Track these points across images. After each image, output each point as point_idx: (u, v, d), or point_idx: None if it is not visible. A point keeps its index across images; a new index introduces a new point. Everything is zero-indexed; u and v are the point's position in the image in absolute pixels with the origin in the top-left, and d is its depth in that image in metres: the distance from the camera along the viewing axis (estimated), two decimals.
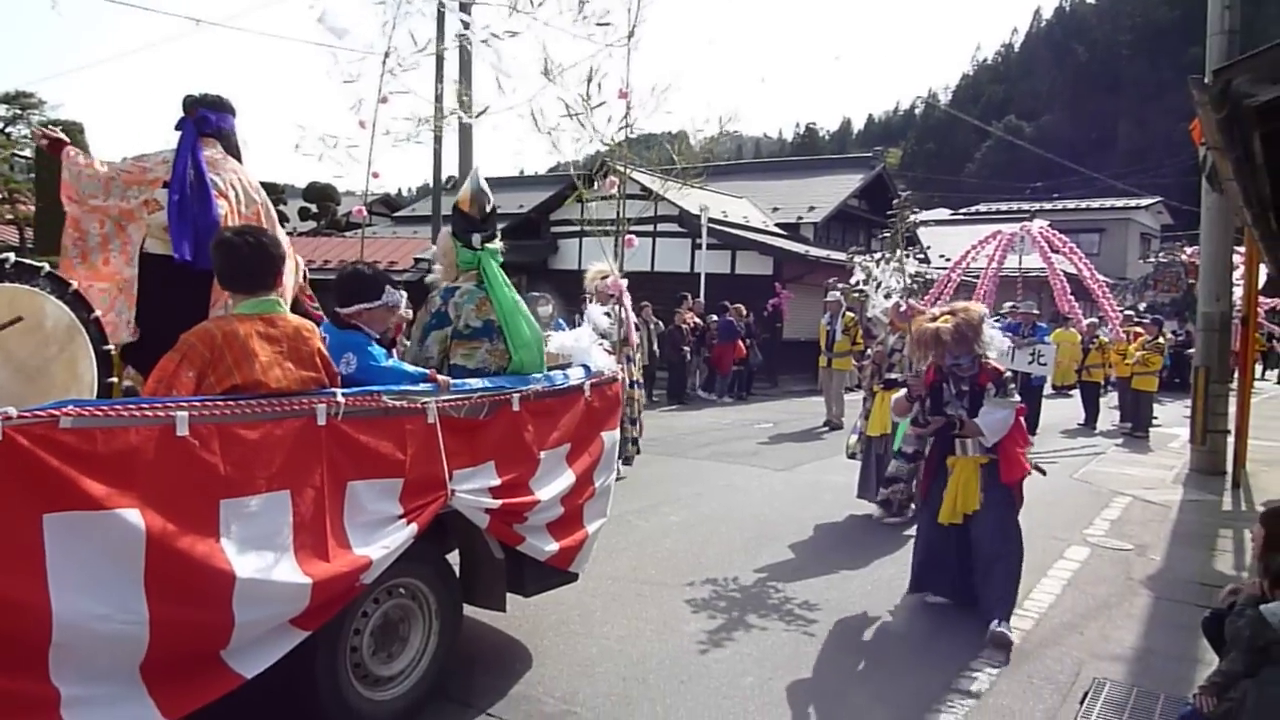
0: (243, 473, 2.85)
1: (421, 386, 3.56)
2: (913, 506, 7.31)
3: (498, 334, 4.20)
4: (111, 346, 3.67)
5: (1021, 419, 5.15)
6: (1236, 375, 10.64)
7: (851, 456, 8.15)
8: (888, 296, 7.86)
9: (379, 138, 5.42)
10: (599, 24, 5.25)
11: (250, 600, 2.79)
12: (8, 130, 23.46)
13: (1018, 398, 5.17)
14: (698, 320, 16.96)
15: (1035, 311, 13.33)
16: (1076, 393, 15.72)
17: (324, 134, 5.48)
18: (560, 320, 8.95)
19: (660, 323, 15.63)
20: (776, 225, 24.85)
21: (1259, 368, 25.21)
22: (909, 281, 8.15)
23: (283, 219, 4.27)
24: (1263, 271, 11.05)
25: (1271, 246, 7.62)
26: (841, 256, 10.22)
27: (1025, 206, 38.12)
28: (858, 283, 8.77)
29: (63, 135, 4.05)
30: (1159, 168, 51.22)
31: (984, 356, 5.16)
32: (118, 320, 3.74)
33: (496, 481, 3.84)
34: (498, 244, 4.44)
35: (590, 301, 8.68)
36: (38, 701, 2.43)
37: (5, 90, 24.69)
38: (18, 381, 3.21)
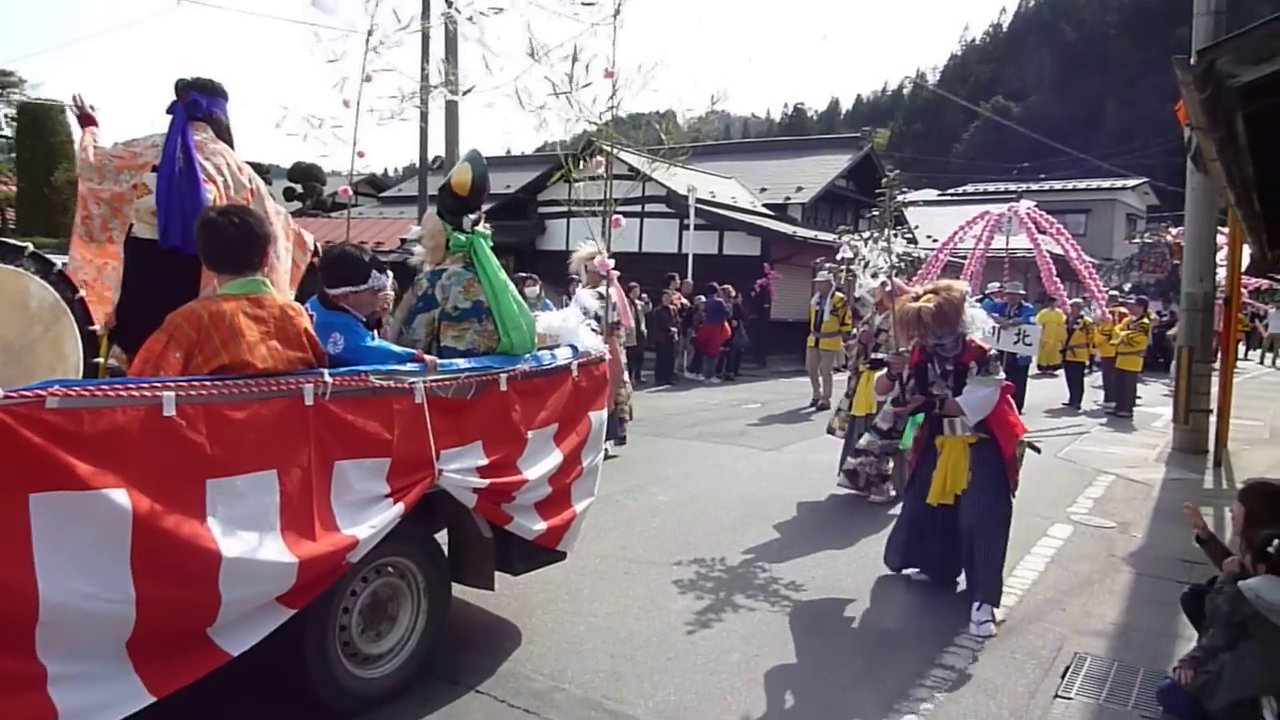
0: (229, 453, 2.85)
1: (409, 366, 3.57)
2: (889, 486, 7.36)
3: (486, 315, 4.20)
4: (97, 327, 3.67)
5: (1010, 397, 5.11)
6: (1219, 355, 10.73)
7: (831, 432, 8.17)
8: (875, 276, 7.86)
9: (364, 116, 5.37)
10: (584, 2, 5.21)
11: (236, 579, 2.80)
12: None
13: (1002, 375, 5.12)
14: (685, 301, 16.95)
15: (1021, 292, 13.39)
16: (1061, 373, 15.81)
17: (308, 113, 5.43)
18: (548, 301, 8.97)
19: (648, 300, 15.61)
20: (764, 206, 24.82)
21: (1242, 348, 25.41)
22: (896, 261, 8.16)
23: None
24: (1246, 252, 11.13)
25: (1254, 227, 7.67)
26: (829, 237, 10.26)
27: (1013, 187, 38.10)
28: (843, 261, 8.78)
29: (91, 111, 4.02)
30: (1145, 148, 51.37)
31: (968, 335, 5.11)
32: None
33: (484, 461, 3.85)
34: (485, 226, 4.43)
35: (580, 284, 8.68)
36: (25, 679, 2.45)
37: None
38: (2, 362, 3.21)
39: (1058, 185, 41.63)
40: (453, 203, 4.32)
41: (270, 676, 3.48)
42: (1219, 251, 11.33)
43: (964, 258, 18.74)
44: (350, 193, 6.08)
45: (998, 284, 14.46)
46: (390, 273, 4.01)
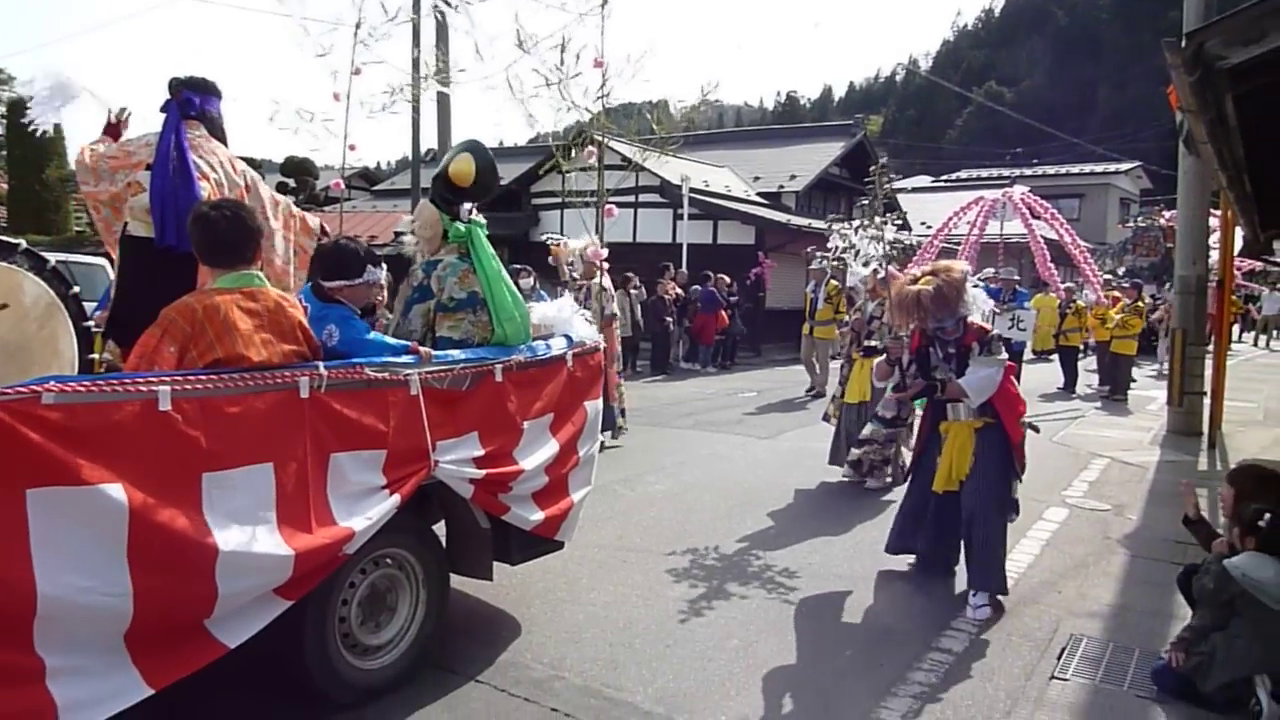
0: (225, 446, 2.86)
1: (404, 358, 3.58)
2: (889, 472, 7.37)
3: (481, 305, 4.20)
4: (91, 323, 3.67)
5: (1013, 378, 5.01)
6: (1213, 338, 10.77)
7: (827, 418, 8.19)
8: (866, 264, 7.88)
9: (354, 109, 5.37)
10: None
11: (233, 572, 2.81)
12: None
13: (1005, 356, 4.99)
14: (680, 291, 16.96)
15: (1015, 277, 13.40)
16: (1056, 358, 15.84)
17: (300, 108, 5.43)
18: (542, 292, 8.97)
19: (643, 289, 15.62)
20: (758, 194, 24.82)
21: (1235, 330, 25.48)
22: (888, 248, 8.17)
23: None
24: (1238, 234, 11.16)
25: (1246, 209, 7.69)
26: (823, 225, 10.25)
27: (1006, 172, 38.22)
28: (834, 249, 8.79)
29: (118, 124, 3.99)
30: (1138, 132, 51.38)
31: (969, 317, 4.98)
32: None
33: (480, 452, 3.86)
34: (479, 216, 4.43)
35: (567, 276, 8.69)
36: (23, 672, 2.46)
37: None
38: None
39: (1051, 170, 41.65)
40: (450, 193, 4.31)
41: (271, 669, 3.50)
42: (1212, 234, 11.37)
43: (958, 244, 18.72)
44: (342, 186, 6.07)
45: (992, 270, 14.47)
46: (384, 265, 4.02)
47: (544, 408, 4.28)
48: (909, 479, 5.47)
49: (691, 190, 19.81)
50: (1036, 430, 5.28)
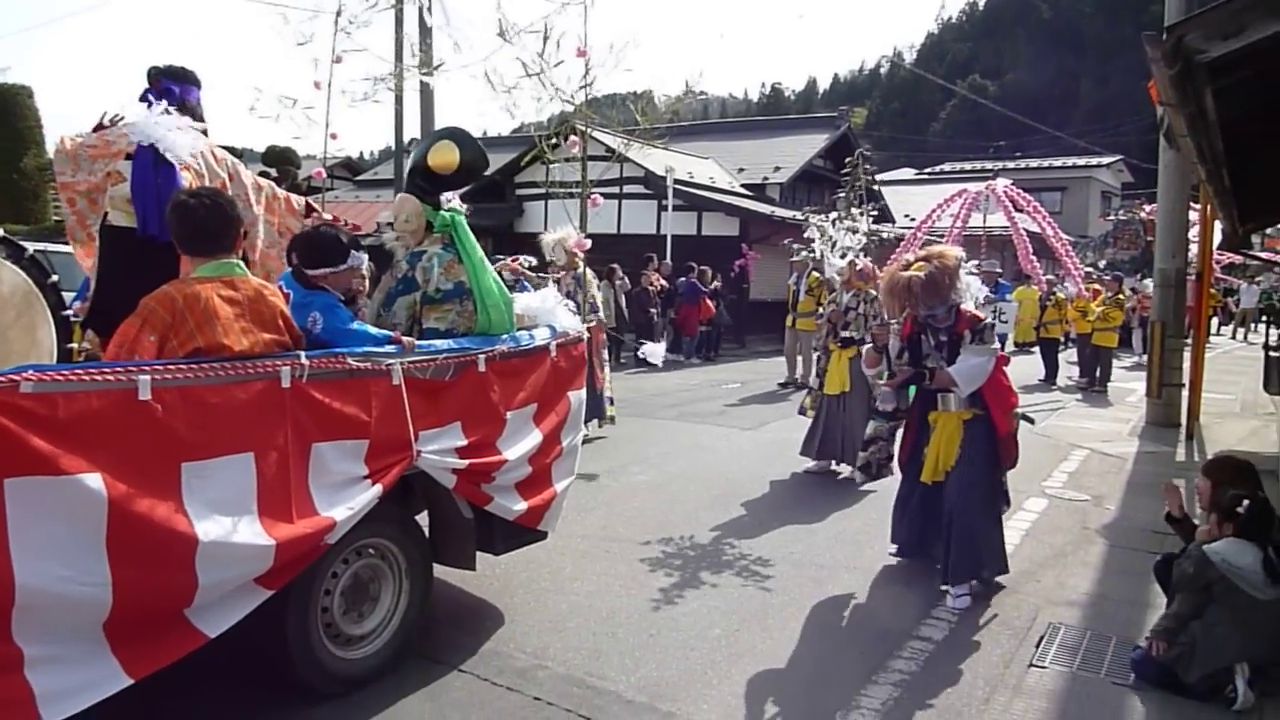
0: (205, 436, 2.85)
1: (386, 348, 3.57)
2: (892, 467, 7.36)
3: (467, 295, 4.19)
4: (70, 312, 3.64)
5: (1005, 369, 4.93)
6: (1192, 330, 10.87)
7: (802, 412, 8.20)
8: (843, 255, 7.90)
9: (335, 98, 5.34)
10: None
11: (213, 561, 2.80)
12: None
13: (997, 345, 4.89)
14: (664, 282, 16.96)
15: (998, 270, 13.48)
16: (1037, 350, 15.96)
17: (280, 95, 5.38)
18: (526, 283, 8.94)
19: (626, 280, 15.61)
20: (742, 186, 24.83)
21: (1214, 323, 25.71)
22: (863, 239, 8.19)
23: None
24: (1218, 228, 11.25)
25: (1225, 203, 7.75)
26: (817, 219, 10.28)
27: (989, 165, 38.34)
28: (811, 241, 8.80)
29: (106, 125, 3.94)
30: (1120, 126, 51.69)
31: (961, 304, 4.87)
32: None
33: (463, 442, 3.85)
34: (461, 205, 4.42)
35: (553, 266, 8.67)
36: (1, 662, 2.45)
37: None
38: None
39: (1034, 163, 41.85)
40: (431, 183, 4.29)
41: (253, 659, 3.49)
42: (1191, 228, 11.46)
43: (941, 236, 18.81)
44: (324, 175, 6.03)
45: (975, 262, 14.55)
46: (366, 255, 4.00)
47: (527, 398, 4.28)
48: (903, 470, 5.37)
49: (676, 181, 19.81)
50: (1031, 422, 5.21)
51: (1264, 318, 25.30)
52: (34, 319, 3.39)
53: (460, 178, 4.34)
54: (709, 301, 17.14)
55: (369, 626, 3.71)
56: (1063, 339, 16.03)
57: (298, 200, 4.40)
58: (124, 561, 2.60)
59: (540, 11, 5.01)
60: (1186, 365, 10.50)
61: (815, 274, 13.32)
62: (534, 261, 9.46)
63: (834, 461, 7.71)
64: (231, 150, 4.24)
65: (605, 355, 8.93)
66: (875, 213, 8.62)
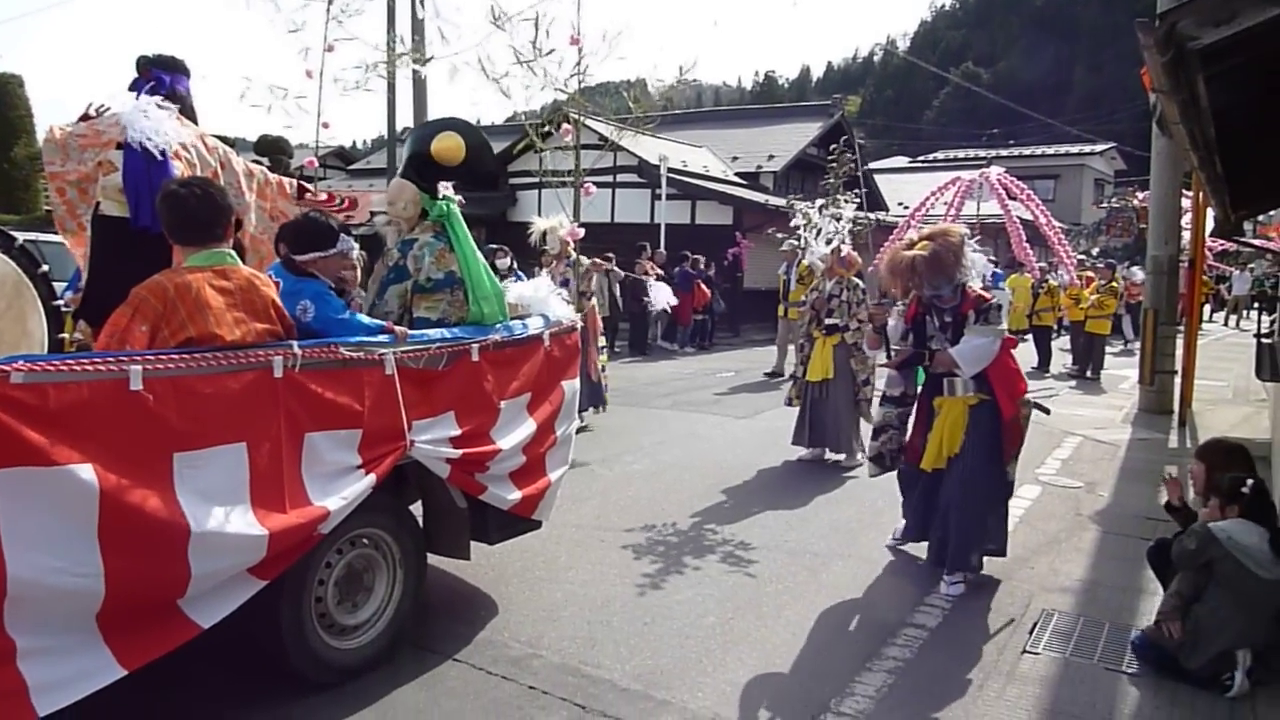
0: (197, 426, 2.84)
1: (379, 338, 3.56)
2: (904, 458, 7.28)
3: (459, 285, 4.18)
4: (61, 302, 3.62)
5: (1013, 353, 4.76)
6: (1184, 317, 10.89)
7: (789, 403, 8.21)
8: (829, 242, 7.89)
9: (328, 87, 5.31)
10: None
11: (206, 551, 2.80)
12: None
13: (1004, 326, 4.70)
14: (659, 272, 16.93)
15: (991, 258, 13.47)
16: (1030, 337, 15.98)
17: (272, 84, 5.36)
18: (519, 272, 8.94)
19: (618, 270, 15.57)
20: (736, 175, 24.78)
21: (1207, 309, 25.78)
22: (845, 226, 8.17)
23: None
24: (1210, 215, 11.26)
25: (1218, 190, 7.74)
26: (802, 205, 10.27)
27: (983, 153, 38.34)
28: (798, 229, 8.79)
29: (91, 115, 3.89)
30: (1113, 114, 51.73)
31: (967, 283, 4.70)
32: None
33: (457, 431, 3.85)
34: (454, 194, 4.40)
35: (545, 255, 8.65)
36: None
37: None
38: None
39: (1027, 151, 41.85)
40: (432, 172, 4.26)
41: (247, 649, 3.49)
42: (1184, 215, 11.47)
43: (935, 224, 18.83)
44: (315, 164, 6.01)
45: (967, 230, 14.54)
46: (357, 244, 3.99)
47: (521, 387, 4.27)
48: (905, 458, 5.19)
49: (670, 170, 19.76)
50: (1046, 411, 5.05)
51: (1256, 304, 25.42)
52: (24, 309, 3.36)
53: (462, 170, 4.32)
54: (703, 286, 17.11)
55: (363, 616, 3.71)
56: (1055, 326, 16.06)
57: (289, 183, 4.39)
58: (116, 552, 2.60)
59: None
60: (1179, 352, 10.53)
61: (806, 262, 13.33)
62: (509, 261, 9.45)
63: (826, 449, 7.72)
64: (224, 140, 4.22)
65: (601, 343, 8.92)
66: (857, 200, 8.57)
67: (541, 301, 4.69)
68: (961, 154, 42.46)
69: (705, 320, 17.74)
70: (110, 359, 2.68)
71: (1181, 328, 10.69)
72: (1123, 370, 14.49)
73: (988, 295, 4.72)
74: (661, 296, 7.25)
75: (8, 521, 2.40)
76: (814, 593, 4.79)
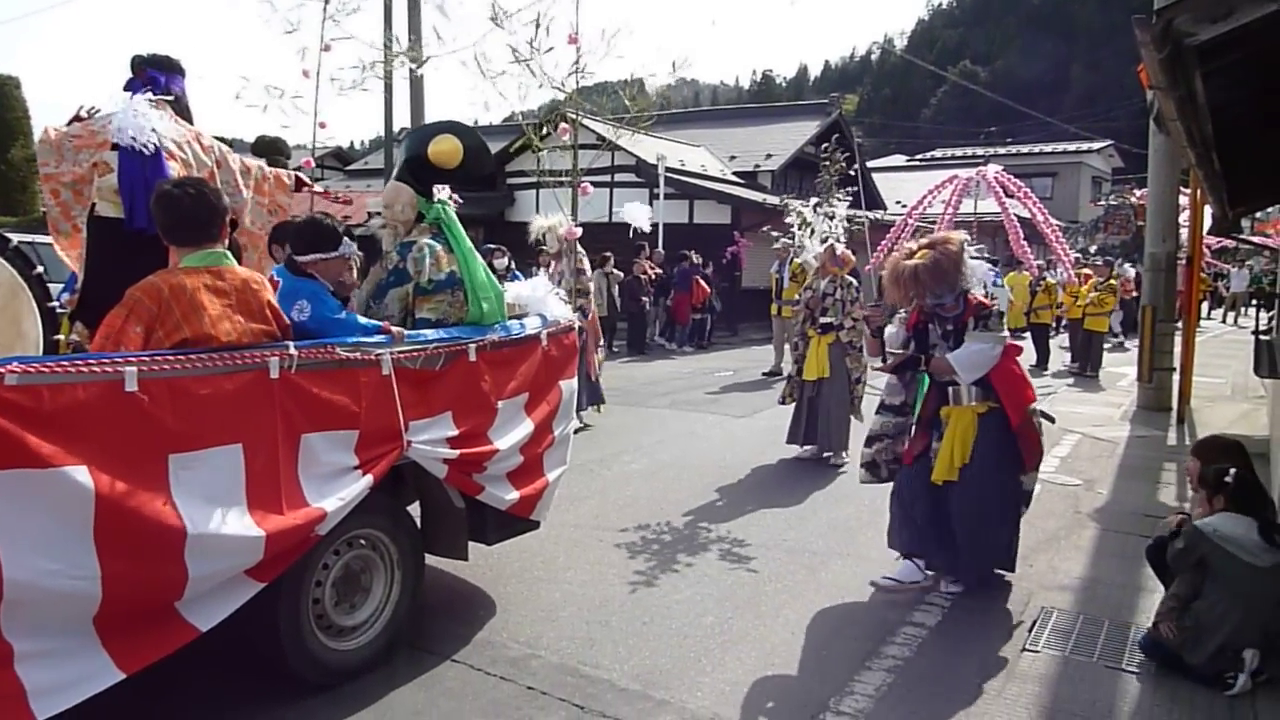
0: (193, 427, 2.83)
1: (376, 338, 3.55)
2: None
3: (459, 285, 4.17)
4: (56, 304, 3.61)
5: (1018, 360, 4.65)
6: (1182, 314, 10.89)
7: (783, 402, 8.20)
8: (823, 241, 7.88)
9: (324, 87, 5.30)
10: None
11: (203, 553, 2.79)
12: None
13: (1005, 334, 4.61)
14: (657, 271, 16.93)
15: (986, 255, 13.46)
16: (1028, 335, 15.99)
17: (268, 84, 5.35)
18: (517, 272, 8.93)
19: (618, 271, 15.57)
20: (734, 174, 24.76)
21: (1204, 307, 25.78)
22: (839, 225, 8.17)
23: None
24: (1208, 213, 11.26)
25: (1215, 186, 7.74)
26: (799, 204, 10.26)
27: (980, 151, 38.36)
28: (792, 227, 8.79)
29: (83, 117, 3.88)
30: (1111, 111, 51.73)
31: (970, 291, 4.62)
32: None
33: (454, 432, 3.84)
34: (450, 196, 4.40)
35: (544, 255, 8.65)
36: None
37: None
38: None
39: (1024, 149, 41.86)
40: (424, 174, 4.26)
41: (245, 650, 3.48)
42: (1182, 212, 11.47)
43: (933, 223, 18.82)
44: (312, 165, 5.99)
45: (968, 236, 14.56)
46: (356, 245, 3.98)
47: (519, 387, 4.27)
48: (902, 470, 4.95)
49: (667, 169, 19.74)
50: (1051, 420, 4.94)
51: (1254, 301, 25.43)
52: (19, 311, 3.36)
53: (459, 174, 4.31)
54: (702, 283, 17.10)
55: (361, 617, 3.70)
56: (1053, 324, 16.07)
57: (287, 175, 4.38)
58: (113, 554, 2.59)
59: None
60: (1177, 349, 10.53)
61: (798, 260, 13.31)
62: (507, 261, 9.44)
63: (824, 448, 7.72)
64: (222, 140, 4.21)
65: (600, 341, 8.90)
66: (850, 199, 8.55)
67: (539, 301, 4.68)
68: (959, 152, 42.46)
69: (704, 319, 17.72)
70: (105, 360, 2.67)
71: (1180, 325, 10.69)
72: (1121, 367, 14.49)
73: (988, 302, 4.68)
74: (640, 215, 7.00)
75: (3, 524, 2.39)
76: (813, 591, 4.78)
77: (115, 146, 3.58)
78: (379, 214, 4.38)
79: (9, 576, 2.39)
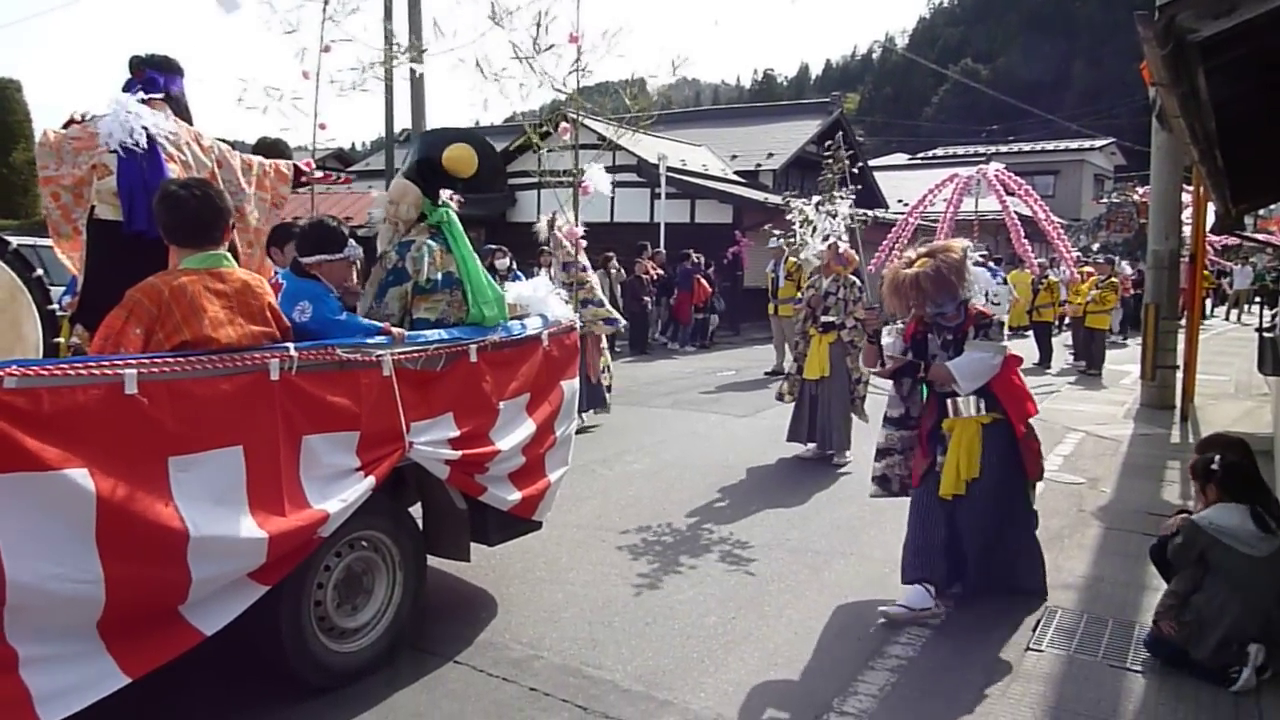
0: (193, 429, 2.82)
1: (376, 339, 3.54)
2: None
3: (457, 285, 4.17)
4: (58, 306, 3.61)
5: (1019, 370, 4.54)
6: (1185, 312, 10.86)
7: (780, 398, 8.18)
8: (826, 239, 7.85)
9: (324, 88, 5.30)
10: None
11: (205, 556, 2.78)
12: None
13: (1006, 344, 4.50)
14: (660, 271, 16.93)
15: (984, 252, 13.42)
16: (1031, 334, 15.97)
17: (268, 86, 5.34)
18: (518, 273, 8.93)
19: (621, 269, 15.56)
20: (735, 173, 24.75)
21: (1208, 304, 25.73)
22: (842, 223, 8.14)
23: None
24: (1211, 210, 11.23)
25: (1218, 183, 7.73)
26: (797, 203, 10.23)
27: (982, 149, 38.34)
28: (793, 225, 8.77)
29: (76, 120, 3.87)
30: (1113, 109, 51.59)
31: (970, 300, 4.52)
32: None
33: (455, 433, 3.84)
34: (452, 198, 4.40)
35: (548, 251, 8.65)
36: None
37: None
38: None
39: (1026, 147, 41.83)
40: (434, 177, 4.25)
41: (246, 652, 3.47)
42: (1185, 210, 11.44)
43: (935, 221, 18.81)
44: (312, 166, 5.98)
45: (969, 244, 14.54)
46: (359, 248, 3.98)
47: (520, 388, 4.26)
48: (913, 490, 4.73)
49: (669, 169, 19.73)
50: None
51: (1257, 299, 25.38)
52: (18, 313, 3.35)
53: (471, 183, 4.32)
54: (704, 282, 17.09)
55: (363, 619, 3.69)
56: (1056, 322, 16.03)
57: (285, 166, 4.37)
58: (115, 557, 2.59)
59: None
60: (1181, 347, 10.50)
61: (793, 259, 13.26)
62: (508, 261, 9.44)
63: (826, 447, 7.71)
64: (223, 142, 4.20)
65: (604, 344, 8.89)
66: (853, 196, 8.52)
67: (540, 301, 4.68)
68: (961, 150, 42.43)
69: (706, 319, 17.71)
70: (105, 363, 2.66)
71: (1183, 323, 10.66)
72: (1124, 365, 14.46)
73: (989, 312, 4.59)
74: (603, 182, 6.79)
75: (5, 527, 2.39)
76: (816, 591, 4.77)
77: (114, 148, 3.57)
78: (381, 211, 4.36)
79: (12, 580, 2.39)
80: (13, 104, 22.16)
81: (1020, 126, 46.20)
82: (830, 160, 8.42)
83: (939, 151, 45.42)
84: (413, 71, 6.25)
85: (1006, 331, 4.66)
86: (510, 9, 5.05)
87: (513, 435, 4.17)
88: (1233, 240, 21.96)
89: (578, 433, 5.49)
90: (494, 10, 4.98)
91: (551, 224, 8.54)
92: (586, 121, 5.90)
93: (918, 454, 4.71)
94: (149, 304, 2.92)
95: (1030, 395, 4.63)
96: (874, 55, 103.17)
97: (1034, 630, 4.22)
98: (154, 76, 3.81)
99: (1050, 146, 41.64)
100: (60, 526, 2.50)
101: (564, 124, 5.52)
